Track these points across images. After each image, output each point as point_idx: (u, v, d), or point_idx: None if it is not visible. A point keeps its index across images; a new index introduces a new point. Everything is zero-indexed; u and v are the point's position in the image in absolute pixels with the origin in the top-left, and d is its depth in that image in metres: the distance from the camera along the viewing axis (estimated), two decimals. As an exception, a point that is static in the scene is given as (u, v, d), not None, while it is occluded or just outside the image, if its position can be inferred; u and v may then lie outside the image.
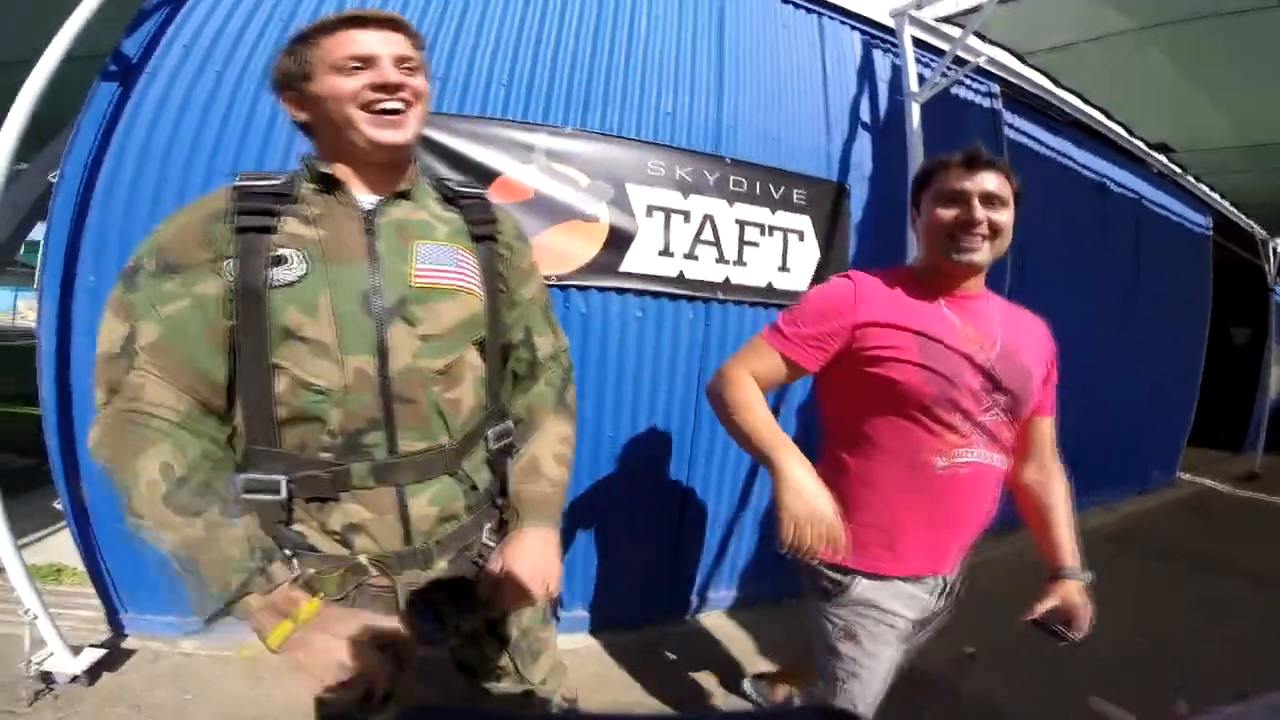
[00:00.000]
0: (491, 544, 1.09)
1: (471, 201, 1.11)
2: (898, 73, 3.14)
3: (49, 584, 2.51)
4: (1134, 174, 4.80)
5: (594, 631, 2.60)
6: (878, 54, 3.19)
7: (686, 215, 2.56)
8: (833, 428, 1.36)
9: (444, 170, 2.18)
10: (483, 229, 1.09)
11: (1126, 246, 4.83)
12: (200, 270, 0.89)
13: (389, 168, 1.01)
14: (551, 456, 1.14)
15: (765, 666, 2.41)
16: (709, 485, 2.76)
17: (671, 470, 2.66)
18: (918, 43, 3.10)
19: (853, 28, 3.13)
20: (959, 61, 3.03)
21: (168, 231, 0.92)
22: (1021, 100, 3.81)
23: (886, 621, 1.28)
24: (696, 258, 2.59)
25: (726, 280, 2.66)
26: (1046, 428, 1.41)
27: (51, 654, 1.97)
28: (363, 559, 0.97)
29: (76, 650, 2.02)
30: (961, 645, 2.54)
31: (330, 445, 0.93)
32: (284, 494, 0.91)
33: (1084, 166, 4.40)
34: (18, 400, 4.90)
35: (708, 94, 2.67)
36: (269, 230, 0.91)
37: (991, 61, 3.31)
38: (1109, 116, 4.08)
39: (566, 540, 2.46)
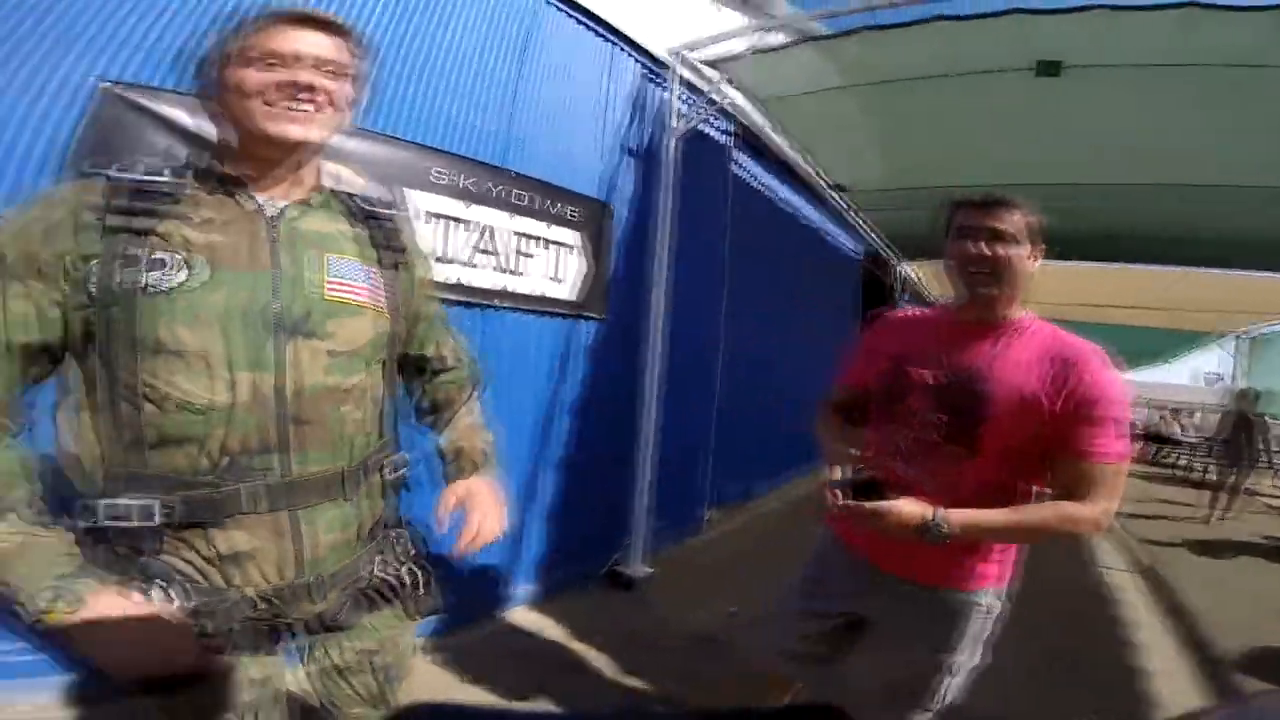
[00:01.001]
0: (386, 576, 1.06)
1: (382, 220, 1.07)
2: (663, 106, 3.50)
3: None
4: (813, 207, 6.00)
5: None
6: (651, 88, 3.51)
7: (467, 224, 2.57)
8: None
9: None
10: (392, 251, 1.05)
11: (806, 266, 6.04)
12: (45, 270, 0.78)
13: (291, 170, 0.94)
14: (481, 424, 1.25)
15: (580, 649, 2.62)
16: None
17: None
18: (682, 81, 3.48)
19: (636, 60, 3.40)
20: (710, 102, 3.49)
21: (15, 226, 0.80)
22: (746, 139, 4.51)
23: None
24: (475, 265, 2.62)
25: (504, 289, 2.74)
26: (1077, 470, 1.22)
27: None
28: (250, 591, 0.89)
29: None
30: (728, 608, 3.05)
31: (209, 469, 0.85)
32: (158, 520, 0.82)
33: (783, 200, 5.38)
34: None
35: (502, 107, 2.70)
36: (147, 233, 0.81)
37: (732, 104, 3.86)
38: (804, 159, 5.02)
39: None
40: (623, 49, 3.31)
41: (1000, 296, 1.28)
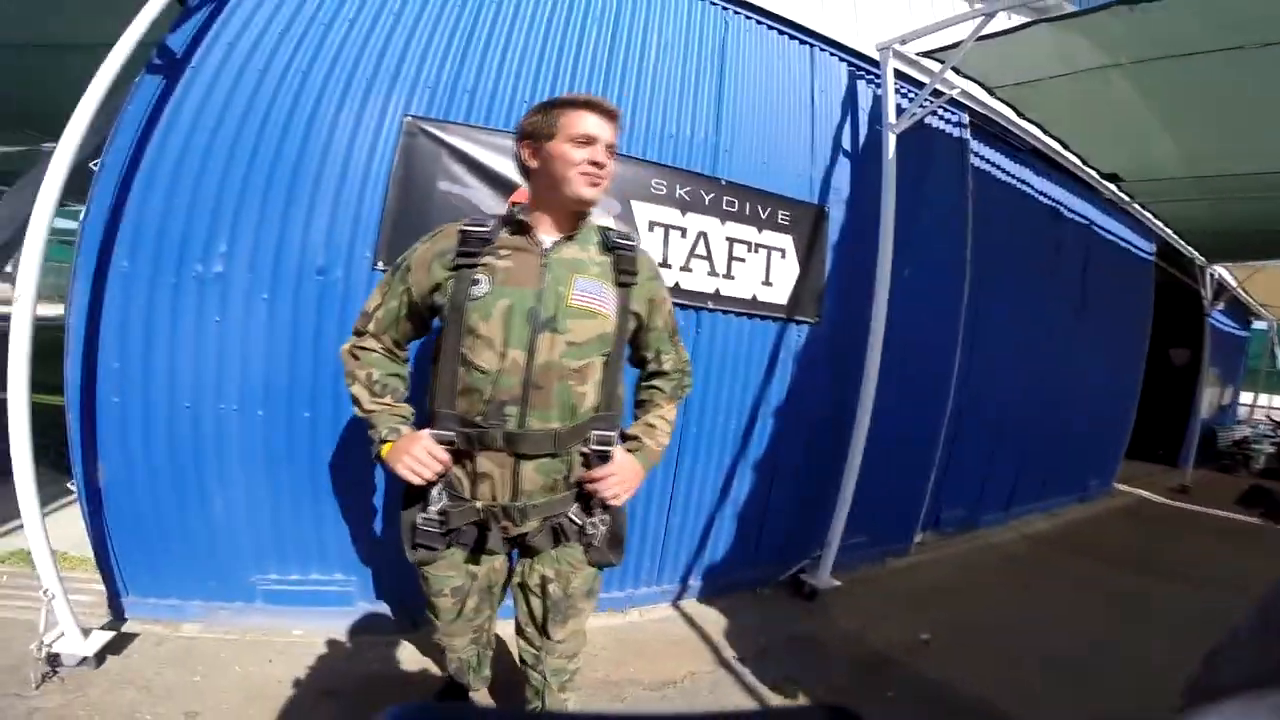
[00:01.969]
0: (577, 520, 1.45)
1: (623, 251, 1.45)
2: (878, 103, 3.40)
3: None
4: (1085, 200, 5.19)
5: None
6: (861, 85, 3.44)
7: (684, 231, 2.79)
8: None
9: (469, 178, 2.36)
10: (625, 275, 1.44)
11: (1076, 269, 5.23)
12: (418, 284, 1.41)
13: (574, 216, 1.41)
14: (663, 428, 1.58)
15: (742, 648, 2.65)
16: (695, 479, 3.01)
17: (661, 463, 2.86)
18: (898, 75, 3.36)
19: (840, 59, 3.38)
20: (935, 93, 3.30)
21: (418, 250, 1.44)
22: (987, 130, 4.12)
23: None
24: (691, 270, 2.82)
25: (716, 292, 2.90)
26: None
27: (61, 635, 1.95)
28: (479, 504, 1.39)
29: (85, 633, 2.01)
30: (918, 633, 2.90)
31: (483, 411, 1.34)
32: (454, 445, 1.36)
33: (1040, 193, 4.76)
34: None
35: (707, 119, 2.90)
36: (473, 266, 1.35)
37: (963, 93, 3.59)
38: (1065, 147, 4.42)
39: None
40: (823, 49, 3.30)
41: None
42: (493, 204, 2.34)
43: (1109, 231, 5.61)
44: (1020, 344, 4.71)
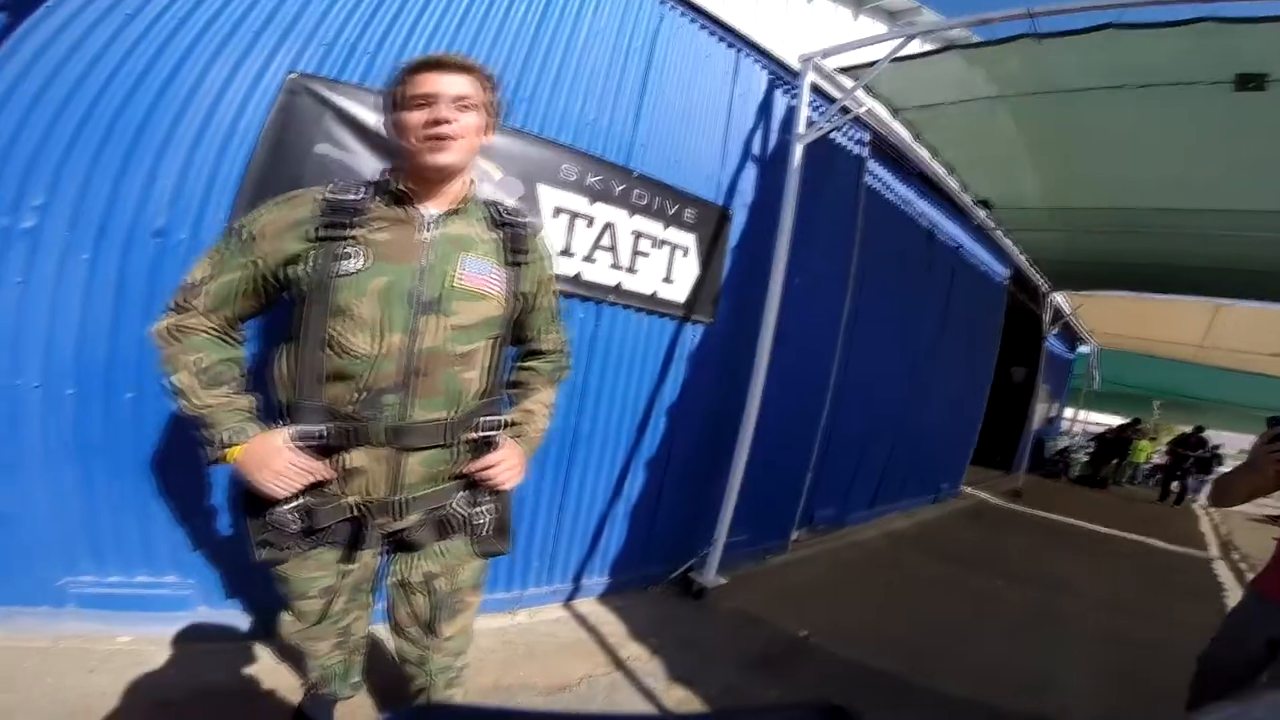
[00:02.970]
0: (462, 511, 1.33)
1: (514, 228, 1.34)
2: (791, 113, 3.45)
3: None
4: (956, 223, 5.63)
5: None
6: (778, 94, 3.47)
7: (590, 220, 2.67)
8: None
9: (353, 142, 2.11)
10: (517, 253, 1.33)
11: (943, 287, 5.68)
12: (267, 255, 1.19)
13: (442, 184, 1.25)
14: (542, 413, 1.48)
15: (635, 649, 2.64)
16: (587, 475, 2.94)
17: (553, 457, 2.79)
18: (812, 88, 3.42)
19: (763, 66, 3.38)
20: (843, 110, 3.39)
21: (265, 217, 1.21)
22: (883, 150, 4.32)
23: None
24: (594, 261, 2.71)
25: (619, 285, 2.81)
26: None
27: None
28: (352, 500, 1.24)
29: None
30: (799, 630, 3.02)
31: (355, 400, 1.18)
32: (324, 440, 1.19)
33: (920, 213, 5.09)
34: None
35: (629, 110, 2.79)
36: (343, 238, 1.17)
37: (868, 112, 3.73)
38: (951, 172, 4.74)
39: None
40: (749, 54, 3.30)
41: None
42: (375, 169, 2.10)
43: (972, 255, 6.13)
44: (891, 353, 5.05)
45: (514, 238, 1.33)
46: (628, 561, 3.18)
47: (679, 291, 3.06)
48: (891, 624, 3.36)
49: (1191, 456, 11.34)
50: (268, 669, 2.10)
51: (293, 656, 1.90)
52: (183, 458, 2.05)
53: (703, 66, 3.10)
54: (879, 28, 3.94)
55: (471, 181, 1.31)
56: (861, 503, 5.27)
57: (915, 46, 3.20)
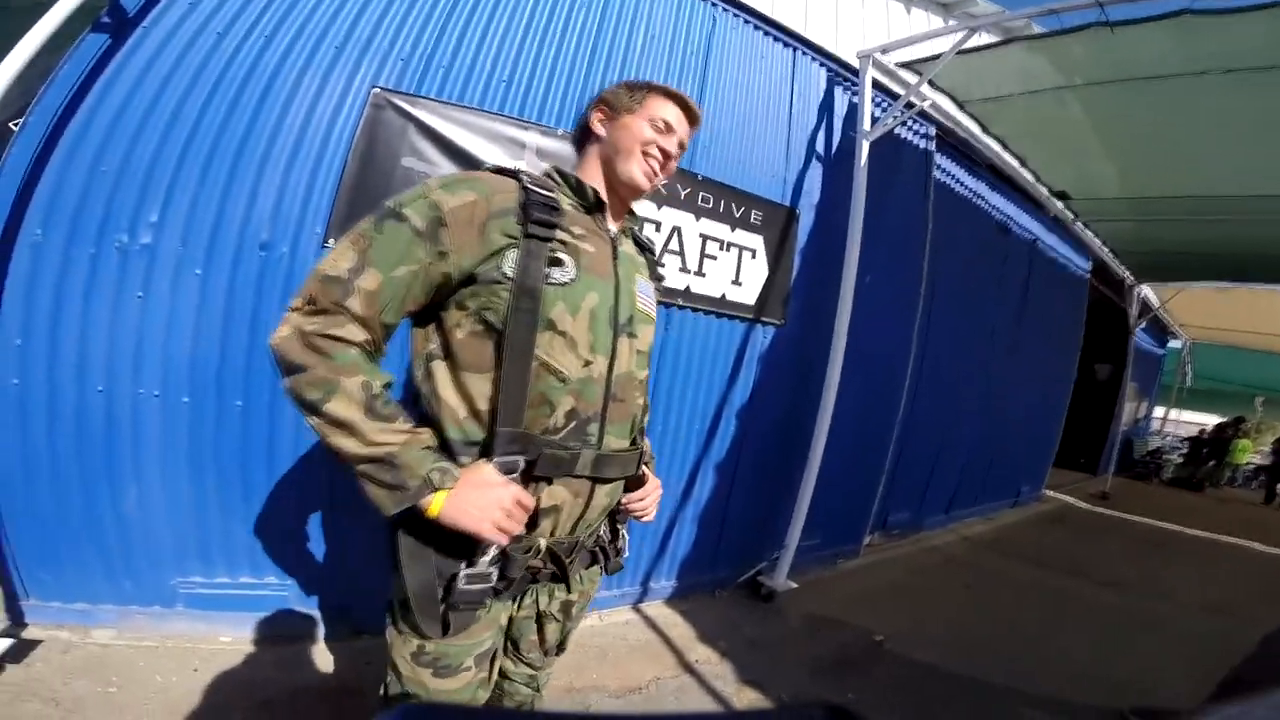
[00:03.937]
0: (606, 537, 1.24)
1: (650, 252, 1.31)
2: (853, 110, 3.40)
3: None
4: (1031, 216, 5.38)
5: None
6: (838, 91, 3.42)
7: (658, 225, 2.69)
8: None
9: (436, 156, 2.20)
10: (655, 276, 1.30)
11: (1019, 282, 5.42)
12: (462, 248, 0.97)
13: (624, 205, 1.22)
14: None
15: (704, 652, 2.62)
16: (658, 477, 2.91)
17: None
18: (873, 84, 3.35)
19: (821, 64, 3.35)
20: (907, 105, 3.31)
21: (452, 200, 0.98)
22: (950, 143, 4.19)
23: None
24: (663, 265, 2.72)
25: (687, 289, 2.82)
26: None
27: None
28: (542, 541, 1.07)
29: (-24, 642, 1.79)
30: (872, 634, 2.93)
31: (555, 429, 1.04)
32: (519, 471, 0.99)
33: (993, 207, 4.89)
34: None
35: (690, 112, 2.80)
36: (549, 240, 1.02)
37: (933, 106, 3.63)
38: (1023, 163, 4.55)
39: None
40: (805, 53, 3.28)
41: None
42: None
43: (1050, 248, 5.84)
44: (966, 351, 4.84)
45: (653, 262, 1.31)
46: (696, 565, 3.15)
47: (748, 294, 3.04)
48: (970, 627, 3.22)
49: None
50: (356, 670, 2.16)
51: (381, 658, 1.94)
52: (285, 461, 2.17)
53: (759, 67, 3.10)
54: (934, 21, 3.84)
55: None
56: (938, 506, 5.06)
57: (976, 39, 3.10)
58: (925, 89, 3.41)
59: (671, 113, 1.17)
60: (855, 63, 3.36)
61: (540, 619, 1.22)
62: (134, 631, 2.10)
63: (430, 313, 1.04)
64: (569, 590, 1.18)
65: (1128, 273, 7.14)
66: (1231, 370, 11.75)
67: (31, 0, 1.71)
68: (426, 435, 0.98)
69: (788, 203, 3.17)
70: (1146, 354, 10.89)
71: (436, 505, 0.93)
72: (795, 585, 3.26)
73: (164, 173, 1.96)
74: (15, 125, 1.84)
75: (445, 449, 1.00)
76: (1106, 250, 6.31)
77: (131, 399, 1.99)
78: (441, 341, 1.03)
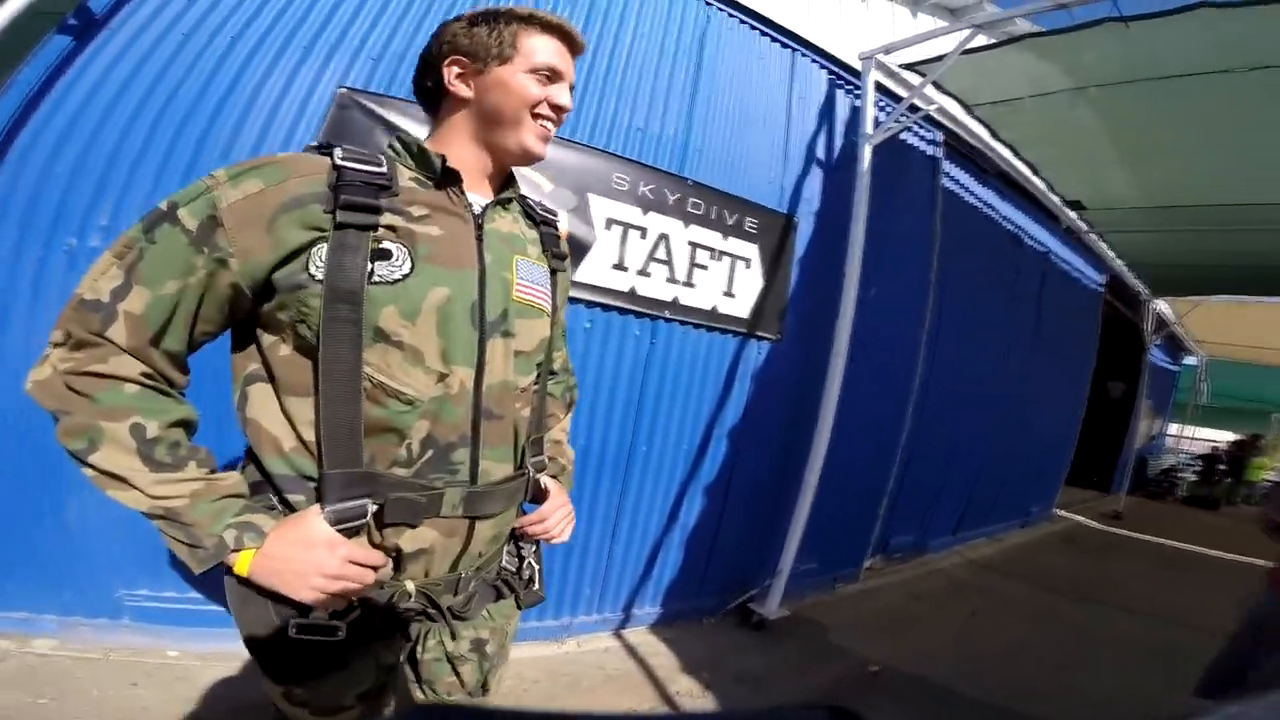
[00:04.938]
0: (509, 568, 1.07)
1: (549, 226, 1.08)
2: (855, 114, 3.25)
3: None
4: (1044, 227, 5.21)
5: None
6: (840, 94, 3.28)
7: (644, 231, 2.56)
8: None
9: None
10: (555, 257, 1.06)
11: (1032, 296, 5.25)
12: (246, 252, 0.76)
13: (504, 174, 0.99)
14: (567, 441, 1.25)
15: (686, 684, 2.47)
16: (642, 499, 2.80)
17: (607, 483, 2.67)
18: (877, 87, 3.21)
19: (821, 66, 3.21)
20: (912, 108, 3.17)
21: (232, 194, 0.76)
22: (958, 149, 4.04)
23: None
24: (649, 274, 2.60)
25: (675, 300, 2.68)
26: None
27: None
28: (410, 585, 0.89)
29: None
30: (867, 666, 2.78)
31: (405, 461, 0.84)
32: (368, 518, 0.81)
33: (1004, 217, 4.73)
34: None
35: (679, 115, 2.69)
36: (371, 227, 0.80)
37: (940, 110, 3.48)
38: (1035, 171, 4.39)
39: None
40: (805, 54, 3.14)
41: None
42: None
43: (1064, 260, 5.66)
44: (975, 367, 4.67)
45: (552, 238, 1.06)
46: (683, 590, 3.00)
47: (741, 306, 2.90)
48: (974, 657, 3.04)
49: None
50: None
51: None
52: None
53: (756, 69, 2.97)
54: (940, 25, 3.71)
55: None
56: (944, 528, 4.88)
57: (982, 38, 2.96)
58: (931, 92, 3.27)
59: (554, 51, 0.91)
60: (857, 65, 3.21)
61: (451, 660, 1.05)
62: (78, 642, 2.02)
63: (248, 332, 0.84)
64: (472, 627, 1.03)
65: (1143, 286, 6.94)
66: (1249, 387, 11.50)
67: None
68: (231, 480, 0.79)
69: (785, 210, 3.03)
70: (1161, 370, 10.64)
71: (243, 564, 0.76)
72: (788, 613, 3.11)
73: (119, 174, 1.88)
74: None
75: (272, 486, 0.82)
76: (1121, 263, 6.12)
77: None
78: (262, 361, 0.84)
